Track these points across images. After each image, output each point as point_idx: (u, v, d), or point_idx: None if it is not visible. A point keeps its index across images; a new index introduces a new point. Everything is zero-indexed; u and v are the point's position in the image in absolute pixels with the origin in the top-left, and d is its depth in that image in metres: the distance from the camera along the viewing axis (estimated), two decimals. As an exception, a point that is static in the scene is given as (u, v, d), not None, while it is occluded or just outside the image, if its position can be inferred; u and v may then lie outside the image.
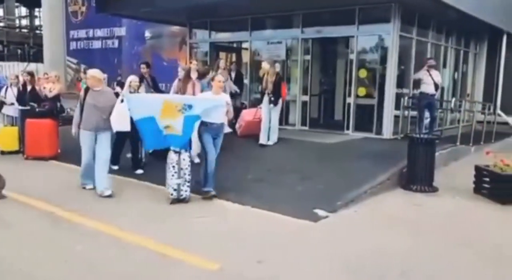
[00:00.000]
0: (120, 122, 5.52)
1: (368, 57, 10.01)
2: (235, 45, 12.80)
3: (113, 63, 18.82)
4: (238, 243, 4.26)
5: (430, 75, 9.30)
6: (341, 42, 11.26)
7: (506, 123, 12.69)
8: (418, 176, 6.34)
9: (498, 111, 12.66)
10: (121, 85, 18.02)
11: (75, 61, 20.72)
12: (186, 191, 5.41)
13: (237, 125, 8.95)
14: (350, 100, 9.80)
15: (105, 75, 6.66)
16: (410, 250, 4.18)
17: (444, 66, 11.80)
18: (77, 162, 7.40)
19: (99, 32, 19.59)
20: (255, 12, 10.71)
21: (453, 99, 11.22)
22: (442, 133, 9.90)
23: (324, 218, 5.01)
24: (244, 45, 12.05)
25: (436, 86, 9.36)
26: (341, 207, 5.34)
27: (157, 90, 8.64)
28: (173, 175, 5.35)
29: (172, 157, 5.37)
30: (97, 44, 19.83)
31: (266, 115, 8.32)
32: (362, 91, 9.75)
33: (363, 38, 9.72)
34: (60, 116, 8.62)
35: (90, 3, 18.66)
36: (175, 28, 15.78)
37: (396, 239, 4.46)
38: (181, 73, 7.69)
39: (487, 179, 6.09)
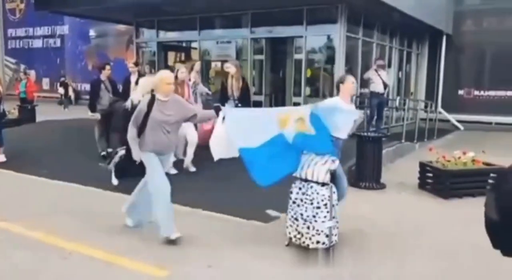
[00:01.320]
0: (226, 148, 4.08)
1: (317, 57, 10.18)
2: (184, 44, 12.60)
3: (55, 63, 18.03)
4: (187, 248, 4.13)
5: (379, 75, 9.59)
6: (290, 42, 11.33)
7: (447, 120, 13.33)
8: (366, 173, 6.46)
9: (439, 109, 13.28)
10: (65, 85, 17.21)
11: (13, 60, 19.69)
12: (336, 235, 3.92)
13: None
14: (300, 99, 9.90)
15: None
16: (359, 247, 4.23)
17: (389, 66, 12.19)
18: (18, 168, 7.06)
19: (40, 31, 18.69)
20: (203, 11, 10.57)
21: (398, 98, 11.63)
22: (389, 130, 10.22)
23: (276, 218, 4.99)
24: (193, 45, 11.88)
25: (385, 85, 9.67)
26: (292, 206, 5.34)
27: (117, 95, 7.60)
28: (325, 217, 3.81)
29: (322, 192, 3.81)
30: (37, 43, 18.92)
31: None
32: (311, 90, 9.88)
33: (312, 38, 9.87)
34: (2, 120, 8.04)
35: (29, 0, 17.76)
36: (122, 27, 15.34)
37: (347, 236, 4.51)
38: (184, 74, 6.77)
39: (431, 175, 6.32)
